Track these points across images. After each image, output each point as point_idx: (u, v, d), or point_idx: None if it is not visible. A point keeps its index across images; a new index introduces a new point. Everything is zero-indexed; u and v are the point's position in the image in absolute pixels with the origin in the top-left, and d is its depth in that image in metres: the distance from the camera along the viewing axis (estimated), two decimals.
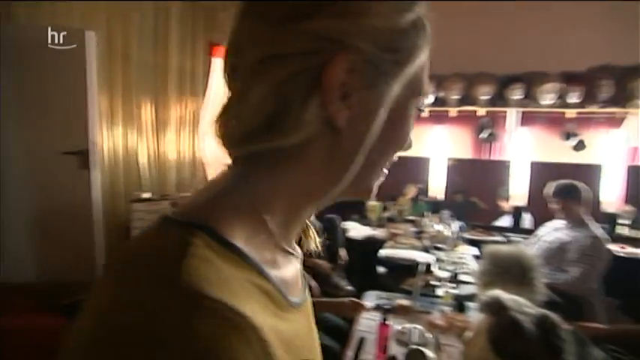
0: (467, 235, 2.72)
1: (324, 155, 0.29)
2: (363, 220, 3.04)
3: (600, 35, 2.78)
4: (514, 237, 2.79)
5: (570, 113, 2.81)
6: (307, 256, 0.37)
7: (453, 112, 2.96)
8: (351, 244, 2.68)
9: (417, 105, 0.33)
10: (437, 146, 3.17)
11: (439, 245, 2.38)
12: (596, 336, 1.39)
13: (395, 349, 1.31)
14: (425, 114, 3.04)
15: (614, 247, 2.45)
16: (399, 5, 0.28)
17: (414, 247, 2.39)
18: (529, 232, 2.63)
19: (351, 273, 2.43)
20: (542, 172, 2.80)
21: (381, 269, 2.21)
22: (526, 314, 0.98)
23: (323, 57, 0.25)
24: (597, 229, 2.13)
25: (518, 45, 2.91)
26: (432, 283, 1.91)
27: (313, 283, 1.83)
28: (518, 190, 3.03)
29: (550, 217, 2.42)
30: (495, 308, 1.01)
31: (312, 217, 2.24)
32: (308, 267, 2.13)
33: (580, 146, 2.76)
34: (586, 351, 1.09)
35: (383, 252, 2.28)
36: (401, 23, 0.28)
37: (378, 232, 2.77)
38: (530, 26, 2.88)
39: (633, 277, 2.42)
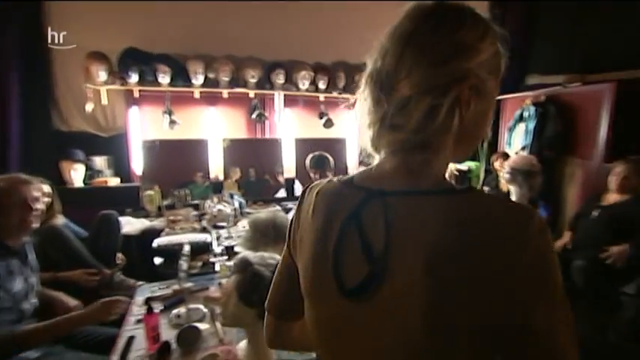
0: (249, 210, 2.92)
1: (455, 141, 0.45)
2: (139, 213, 2.74)
3: (340, 36, 3.50)
4: (290, 205, 3.23)
5: (321, 97, 3.43)
6: None
7: (225, 93, 3.03)
8: (128, 240, 2.37)
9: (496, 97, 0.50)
10: (213, 127, 3.19)
11: (220, 224, 2.44)
12: None
13: (170, 334, 1.26)
14: (197, 96, 2.98)
15: None
16: (492, 40, 0.45)
17: (194, 230, 2.36)
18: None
19: (131, 271, 2.16)
20: (304, 146, 3.34)
21: (158, 259, 2.06)
22: (268, 265, 1.12)
23: (458, 85, 0.43)
24: None
25: (283, 36, 3.28)
26: (211, 260, 1.94)
27: (73, 303, 1.53)
28: (288, 163, 3.48)
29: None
30: (242, 266, 1.10)
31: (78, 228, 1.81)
32: (73, 282, 1.75)
33: (329, 124, 3.43)
34: None
35: (157, 241, 2.13)
36: (495, 49, 0.46)
37: (157, 223, 2.57)
38: (294, 21, 3.25)
39: None
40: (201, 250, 2.12)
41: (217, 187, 3.05)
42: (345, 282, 0.46)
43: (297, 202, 0.59)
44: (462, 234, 0.39)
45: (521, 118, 3.78)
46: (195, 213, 2.78)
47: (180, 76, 2.92)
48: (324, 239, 0.49)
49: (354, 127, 3.70)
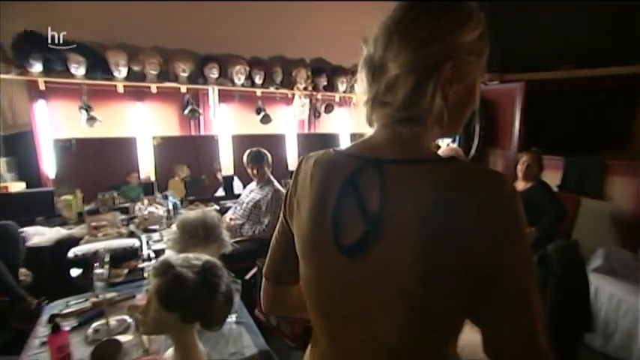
0: (184, 211, 2.76)
1: (441, 117, 0.50)
2: (54, 221, 2.44)
3: (277, 30, 3.45)
4: (229, 203, 3.12)
5: (258, 92, 3.35)
6: None
7: (153, 88, 2.81)
8: (38, 252, 2.10)
9: (482, 79, 0.55)
10: (141, 125, 2.93)
11: (152, 227, 2.28)
12: None
13: (86, 352, 1.14)
14: (120, 90, 2.73)
15: None
16: (475, 25, 0.51)
17: (121, 236, 2.16)
18: (238, 196, 3.01)
19: (40, 287, 1.92)
20: (242, 143, 3.23)
21: (76, 271, 1.86)
22: (192, 267, 1.06)
23: (440, 66, 0.48)
24: (277, 185, 2.69)
25: (217, 29, 3.14)
26: (140, 266, 1.80)
27: None
28: (226, 161, 3.35)
29: (251, 180, 2.85)
30: (163, 269, 1.03)
31: None
32: None
33: (266, 120, 3.37)
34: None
35: (73, 250, 1.91)
36: (477, 33, 0.51)
37: (77, 230, 2.31)
38: (228, 13, 3.13)
39: None
40: (128, 256, 1.96)
41: (149, 189, 2.83)
42: (342, 241, 0.51)
43: (292, 176, 0.65)
44: (449, 195, 0.45)
45: None
46: (123, 217, 2.55)
47: (99, 67, 2.62)
48: (322, 203, 0.54)
49: (293, 123, 3.68)
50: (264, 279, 0.70)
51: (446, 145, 3.85)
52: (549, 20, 3.98)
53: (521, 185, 2.77)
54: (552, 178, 3.28)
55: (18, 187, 2.49)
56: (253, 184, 2.79)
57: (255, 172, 2.69)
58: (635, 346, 2.01)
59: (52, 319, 1.17)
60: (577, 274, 1.71)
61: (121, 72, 2.67)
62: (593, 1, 3.65)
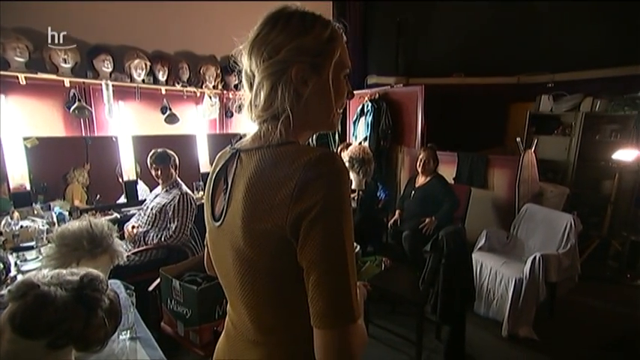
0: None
1: (304, 111, 0.61)
2: None
3: (184, 24, 3.23)
4: (133, 210, 2.82)
5: (163, 90, 3.10)
6: None
7: (21, 78, 2.36)
8: None
9: (344, 73, 0.65)
10: (6, 124, 2.39)
11: (26, 244, 1.94)
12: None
13: None
14: None
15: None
16: (320, 30, 0.60)
17: None
18: (143, 202, 2.74)
19: None
20: (146, 144, 2.93)
21: None
22: (64, 283, 0.92)
23: (289, 68, 0.58)
24: (184, 188, 2.53)
25: (108, 15, 2.80)
26: (2, 292, 1.51)
27: None
28: (127, 164, 3.03)
29: (158, 184, 2.61)
30: (20, 292, 0.87)
31: None
32: None
33: (172, 119, 3.13)
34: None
35: None
36: (323, 37, 0.60)
37: None
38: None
39: None
40: None
41: (22, 199, 2.39)
42: (215, 214, 0.68)
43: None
44: (266, 169, 0.58)
45: (362, 113, 4.30)
46: None
47: None
48: (209, 186, 0.72)
49: (204, 123, 3.50)
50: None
51: (358, 144, 4.08)
52: (447, 33, 4.54)
53: (421, 180, 3.07)
54: (449, 171, 3.72)
55: None
56: (159, 189, 2.57)
57: (159, 173, 2.48)
58: (506, 307, 2.38)
59: None
60: (461, 254, 1.95)
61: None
62: (483, 19, 4.28)
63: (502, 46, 4.27)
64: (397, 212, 3.20)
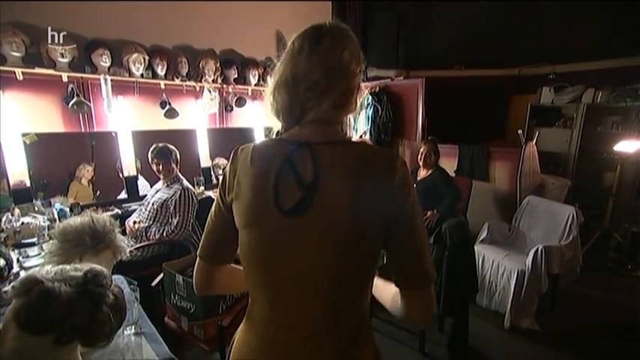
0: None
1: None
2: None
3: (183, 18, 3.20)
4: (134, 206, 2.81)
5: (162, 84, 3.07)
6: None
7: (18, 74, 2.32)
8: None
9: None
10: (5, 120, 2.35)
11: (28, 241, 1.93)
12: None
13: None
14: None
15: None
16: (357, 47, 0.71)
17: None
18: (144, 197, 2.72)
19: None
20: (146, 139, 2.91)
21: None
22: (68, 279, 0.91)
23: (355, 81, 0.69)
24: (186, 183, 2.51)
25: (107, 9, 2.76)
26: (5, 289, 1.50)
27: None
28: (128, 159, 3.01)
29: (159, 179, 2.60)
30: (25, 288, 0.86)
31: None
32: None
33: (172, 114, 3.10)
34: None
35: None
36: (359, 53, 0.71)
37: None
38: None
39: None
40: None
41: (22, 196, 2.37)
42: (283, 206, 0.64)
43: (229, 162, 0.73)
44: (362, 164, 0.64)
45: (362, 106, 4.27)
46: None
47: None
48: (264, 179, 0.66)
49: (203, 117, 3.48)
50: (198, 259, 0.78)
51: (359, 137, 4.06)
52: (447, 26, 4.50)
53: (423, 173, 3.05)
54: (451, 164, 3.71)
55: None
56: (160, 184, 2.56)
57: (160, 168, 2.46)
58: (509, 299, 2.39)
59: None
60: (464, 247, 1.95)
61: None
62: (483, 12, 4.24)
63: (503, 39, 4.23)
64: None
